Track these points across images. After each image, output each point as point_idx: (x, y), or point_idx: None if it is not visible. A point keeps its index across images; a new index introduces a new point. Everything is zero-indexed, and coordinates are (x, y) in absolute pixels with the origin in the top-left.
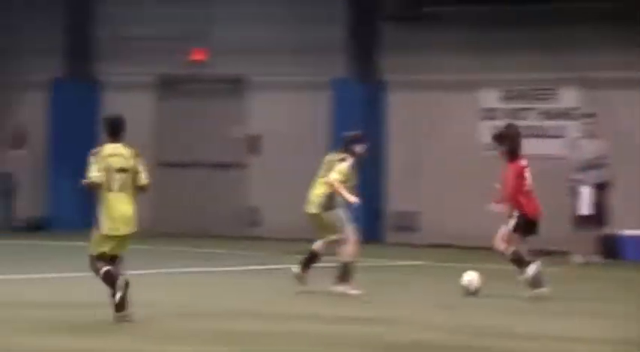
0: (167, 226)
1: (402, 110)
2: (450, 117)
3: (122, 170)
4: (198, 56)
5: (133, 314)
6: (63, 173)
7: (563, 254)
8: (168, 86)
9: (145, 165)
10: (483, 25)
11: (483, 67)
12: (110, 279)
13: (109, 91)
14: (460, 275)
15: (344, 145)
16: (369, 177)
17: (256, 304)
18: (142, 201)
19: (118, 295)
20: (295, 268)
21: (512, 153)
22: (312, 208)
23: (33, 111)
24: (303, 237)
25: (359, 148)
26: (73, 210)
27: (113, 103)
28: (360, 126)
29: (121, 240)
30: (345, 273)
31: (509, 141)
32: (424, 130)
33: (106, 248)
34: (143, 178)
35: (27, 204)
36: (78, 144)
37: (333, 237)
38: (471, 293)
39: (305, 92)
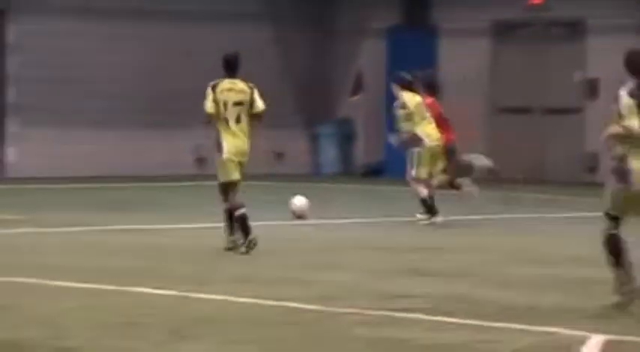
0: (504, 171)
1: None
2: None
3: (238, 103)
4: (535, 0)
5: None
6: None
7: None
8: (504, 31)
9: (261, 96)
10: None
11: None
12: (243, 223)
13: (445, 38)
14: None
15: None
16: None
17: (594, 251)
18: (479, 146)
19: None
20: None
21: None
22: None
23: (371, 59)
24: None
25: None
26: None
27: (449, 50)
28: None
29: (239, 166)
30: None
31: None
32: None
33: (231, 174)
34: (258, 106)
35: (364, 150)
36: None
37: None
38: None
39: None
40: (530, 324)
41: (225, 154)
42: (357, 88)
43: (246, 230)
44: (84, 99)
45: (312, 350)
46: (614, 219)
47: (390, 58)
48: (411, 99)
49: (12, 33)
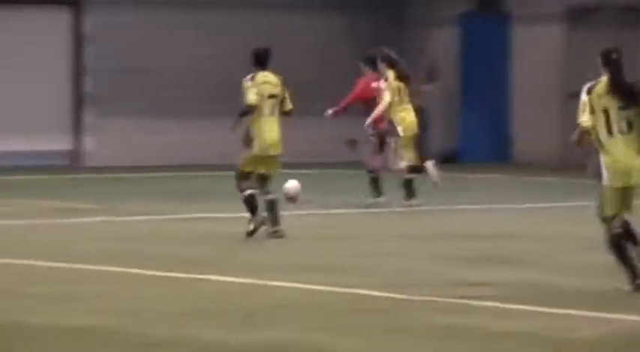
0: (577, 159)
1: None
2: None
3: (272, 96)
4: None
5: (283, 230)
6: (474, 106)
7: None
8: (578, 17)
9: (289, 92)
10: None
11: None
12: (250, 204)
13: (518, 24)
14: None
15: None
16: None
17: None
18: (551, 133)
19: (252, 226)
20: None
21: None
22: None
23: (444, 46)
24: None
25: None
26: (484, 142)
27: (522, 36)
28: None
29: (270, 160)
30: None
31: None
32: None
33: (256, 168)
34: (288, 104)
35: (440, 137)
36: (488, 78)
37: None
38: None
39: None
40: (603, 311)
41: (258, 149)
42: (433, 76)
43: (252, 212)
44: (158, 90)
45: (387, 338)
46: (610, 219)
47: (463, 45)
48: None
49: (88, 24)
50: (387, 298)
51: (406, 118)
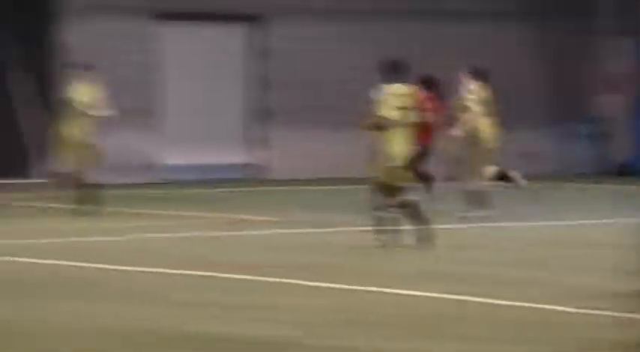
0: None
1: None
2: None
3: (402, 108)
4: None
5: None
6: None
7: None
8: None
9: (415, 105)
10: None
11: None
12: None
13: None
14: None
15: None
16: None
17: None
18: None
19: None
20: None
21: None
22: None
23: (627, 57)
24: None
25: None
26: None
27: None
28: None
29: (399, 171)
30: None
31: None
32: None
33: (387, 178)
34: (414, 116)
35: (619, 149)
36: None
37: None
38: None
39: None
40: None
41: (390, 161)
42: (614, 86)
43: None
44: (337, 101)
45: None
46: None
47: None
48: None
49: (272, 38)
50: (562, 311)
51: (487, 129)
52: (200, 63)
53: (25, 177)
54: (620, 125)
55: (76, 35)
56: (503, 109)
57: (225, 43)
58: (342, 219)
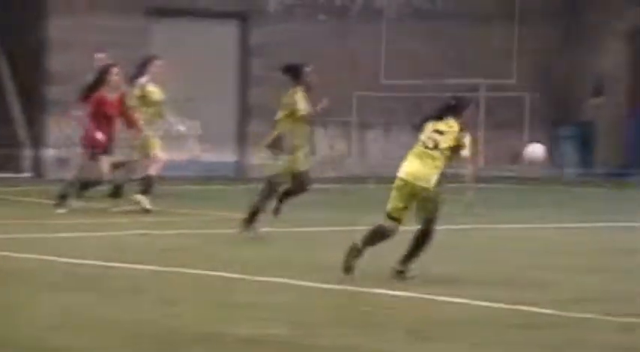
0: None
1: None
2: None
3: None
4: None
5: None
6: None
7: None
8: None
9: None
10: None
11: None
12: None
13: None
14: None
15: None
16: None
17: None
18: None
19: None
20: None
21: None
22: None
23: (614, 60)
24: None
25: None
26: None
27: None
28: None
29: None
30: None
31: None
32: None
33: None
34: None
35: (605, 153)
36: None
37: None
38: None
39: None
40: None
41: None
42: (599, 90)
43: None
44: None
45: None
46: None
47: (636, 60)
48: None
49: (266, 35)
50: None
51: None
52: (192, 59)
53: (17, 171)
54: (610, 128)
55: (66, 31)
56: (491, 113)
57: (217, 39)
58: (330, 217)
